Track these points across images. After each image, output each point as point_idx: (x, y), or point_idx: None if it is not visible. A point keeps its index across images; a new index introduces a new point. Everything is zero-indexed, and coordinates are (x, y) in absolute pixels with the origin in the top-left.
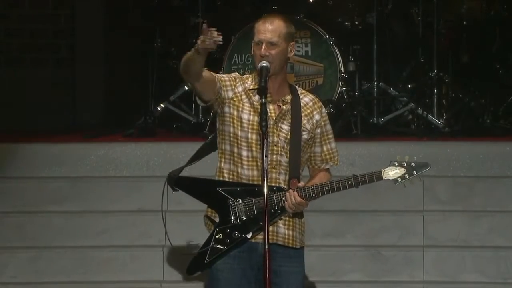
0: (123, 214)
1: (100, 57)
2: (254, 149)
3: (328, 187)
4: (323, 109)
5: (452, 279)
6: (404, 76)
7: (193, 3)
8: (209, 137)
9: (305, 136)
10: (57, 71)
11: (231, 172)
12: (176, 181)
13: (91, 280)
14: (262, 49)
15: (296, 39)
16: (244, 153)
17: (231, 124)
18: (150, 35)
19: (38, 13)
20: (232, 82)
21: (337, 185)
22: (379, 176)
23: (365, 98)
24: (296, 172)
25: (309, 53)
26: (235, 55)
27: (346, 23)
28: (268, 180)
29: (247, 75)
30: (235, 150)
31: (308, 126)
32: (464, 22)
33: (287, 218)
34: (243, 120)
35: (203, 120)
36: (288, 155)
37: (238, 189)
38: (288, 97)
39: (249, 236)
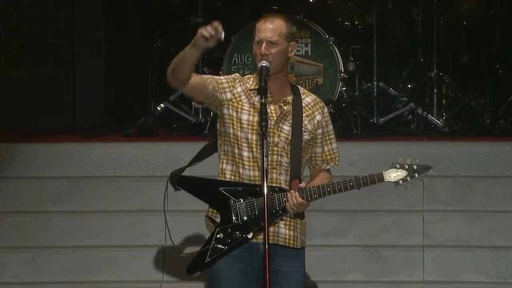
0: (123, 214)
1: (100, 57)
2: (254, 149)
3: (330, 189)
4: (325, 109)
5: (452, 279)
6: (404, 76)
7: (193, 3)
8: (213, 139)
9: (306, 136)
10: (57, 71)
11: (233, 173)
12: (178, 181)
13: (91, 280)
14: (262, 48)
15: (296, 39)
16: (245, 153)
17: (231, 126)
18: (150, 35)
19: (38, 13)
20: (230, 84)
21: (339, 187)
22: (380, 178)
23: (365, 98)
24: (297, 173)
25: (309, 53)
26: (235, 55)
27: (346, 23)
28: (269, 180)
29: (249, 75)
30: (236, 151)
31: (309, 127)
32: (464, 22)
33: (288, 219)
34: (243, 121)
35: (203, 120)
36: (289, 156)
37: (239, 189)
38: (290, 98)
39: (250, 236)
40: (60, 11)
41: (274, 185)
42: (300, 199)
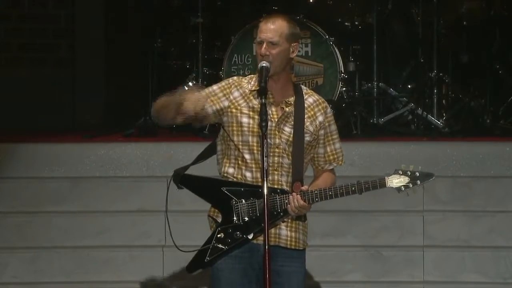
0: (123, 214)
1: (100, 57)
2: (255, 151)
3: (332, 192)
4: (328, 110)
5: (452, 279)
6: (404, 76)
7: (193, 3)
8: (214, 140)
9: (307, 138)
10: (57, 71)
11: (235, 176)
12: (182, 179)
13: (91, 280)
14: (262, 49)
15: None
16: (247, 156)
17: (232, 131)
18: (150, 35)
19: (38, 13)
20: (225, 91)
21: (341, 191)
22: (382, 184)
23: (365, 98)
24: (298, 174)
25: (309, 53)
26: (235, 55)
27: (346, 23)
28: (271, 182)
29: (250, 76)
30: (238, 154)
31: (311, 128)
32: (464, 22)
33: (289, 220)
34: (243, 125)
35: None
36: (291, 157)
37: (242, 189)
38: (292, 99)
39: (250, 237)
40: (60, 11)
41: (275, 186)
42: (301, 202)
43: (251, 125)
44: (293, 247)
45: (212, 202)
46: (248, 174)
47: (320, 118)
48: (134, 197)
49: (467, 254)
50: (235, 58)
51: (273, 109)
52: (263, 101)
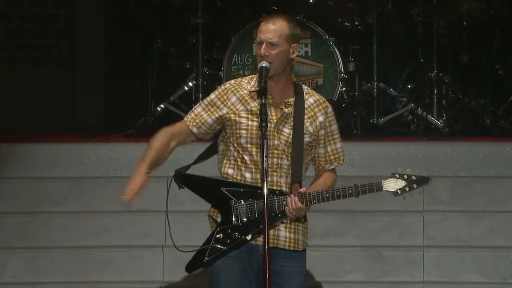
0: (123, 214)
1: (100, 57)
2: (254, 153)
3: (329, 195)
4: (329, 109)
5: (452, 279)
6: (404, 76)
7: (193, 3)
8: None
9: (307, 139)
10: (57, 71)
11: (235, 177)
12: (182, 178)
13: (91, 280)
14: (262, 49)
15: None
16: (246, 157)
17: (231, 133)
18: (150, 35)
19: (38, 13)
20: (223, 98)
21: (338, 194)
22: (379, 187)
23: (365, 99)
24: (298, 176)
25: (309, 54)
26: (235, 55)
27: (346, 24)
28: (270, 183)
29: (252, 76)
30: (238, 155)
31: (310, 129)
32: (464, 22)
33: (288, 221)
34: (242, 127)
35: None
36: (290, 158)
37: (241, 190)
38: (292, 99)
39: (248, 238)
40: (60, 11)
41: (274, 188)
42: (299, 204)
43: (249, 127)
44: (292, 248)
45: (211, 202)
46: (247, 175)
47: (321, 118)
48: None
49: (467, 254)
50: (235, 58)
51: (272, 110)
52: (263, 101)
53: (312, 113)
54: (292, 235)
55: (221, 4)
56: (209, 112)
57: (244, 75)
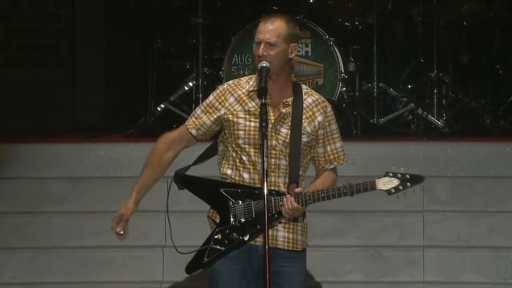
0: None
1: (100, 57)
2: (252, 153)
3: (324, 195)
4: (328, 109)
5: (452, 279)
6: (404, 76)
7: (193, 3)
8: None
9: (305, 139)
10: (57, 71)
11: (233, 177)
12: (182, 179)
13: (91, 280)
14: (260, 49)
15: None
16: (244, 157)
17: (229, 134)
18: (150, 35)
19: (38, 13)
20: (221, 99)
21: (333, 193)
22: (373, 186)
23: (365, 99)
24: (295, 176)
25: (309, 53)
26: (235, 55)
27: (346, 23)
28: (268, 183)
29: (251, 76)
30: (236, 155)
31: (308, 129)
32: (464, 22)
33: (287, 221)
34: (240, 128)
35: None
36: (288, 158)
37: (239, 191)
38: (290, 99)
39: (246, 238)
40: (60, 11)
41: (272, 188)
42: (295, 204)
43: (247, 128)
44: (290, 248)
45: (210, 203)
46: (245, 176)
47: (319, 118)
48: None
49: (467, 254)
50: (235, 58)
51: (270, 110)
52: (263, 101)
53: (311, 113)
54: (290, 235)
55: (221, 4)
56: (207, 114)
57: (244, 75)
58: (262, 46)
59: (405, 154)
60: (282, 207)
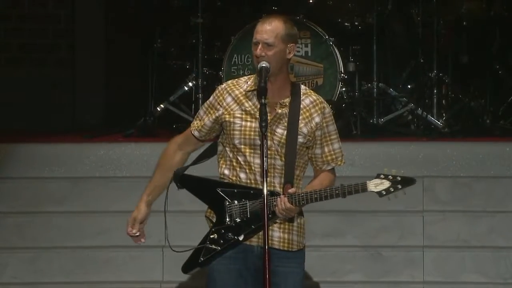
0: (123, 214)
1: (100, 57)
2: (248, 153)
3: (317, 195)
4: (326, 110)
5: (452, 279)
6: (404, 76)
7: (193, 3)
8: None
9: (300, 139)
10: (57, 71)
11: (230, 177)
12: (181, 179)
13: (91, 280)
14: (258, 50)
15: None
16: (241, 158)
17: (227, 134)
18: (150, 35)
19: (38, 13)
20: (219, 99)
21: (325, 194)
22: (364, 188)
23: (365, 99)
24: (291, 176)
25: (309, 54)
26: (235, 55)
27: (346, 24)
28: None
29: (250, 76)
30: (233, 155)
31: (304, 130)
32: (464, 22)
33: (282, 221)
34: (236, 128)
35: None
36: (283, 159)
37: (235, 191)
38: (287, 100)
39: (241, 238)
40: (60, 11)
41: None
42: (288, 205)
43: (242, 128)
44: (285, 248)
45: (208, 203)
46: (242, 176)
47: (317, 119)
48: (134, 197)
49: (467, 254)
50: (235, 58)
51: (267, 110)
52: (263, 101)
53: (308, 114)
54: (286, 235)
55: (221, 4)
56: (208, 115)
57: (244, 75)
58: (260, 46)
59: (405, 154)
60: (276, 207)
